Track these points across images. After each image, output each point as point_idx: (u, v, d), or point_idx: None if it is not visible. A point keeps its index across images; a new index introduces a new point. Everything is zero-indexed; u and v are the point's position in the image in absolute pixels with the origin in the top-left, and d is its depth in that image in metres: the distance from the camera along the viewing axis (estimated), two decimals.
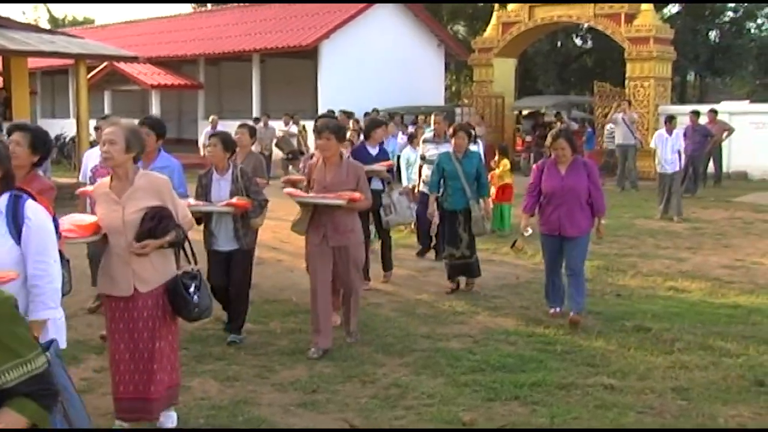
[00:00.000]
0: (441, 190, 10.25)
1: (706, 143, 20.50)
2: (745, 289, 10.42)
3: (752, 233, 14.91)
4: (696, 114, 16.69)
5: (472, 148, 10.71)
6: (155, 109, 31.90)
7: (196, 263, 5.79)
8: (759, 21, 44.06)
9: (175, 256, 5.72)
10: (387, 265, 10.98)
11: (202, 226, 7.76)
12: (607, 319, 8.83)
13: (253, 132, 10.09)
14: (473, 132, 11.08)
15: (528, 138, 26.84)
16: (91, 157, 8.26)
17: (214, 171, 7.91)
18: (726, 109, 24.49)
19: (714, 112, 22.46)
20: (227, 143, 7.87)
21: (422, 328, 8.50)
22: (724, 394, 6.54)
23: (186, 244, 5.72)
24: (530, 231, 9.14)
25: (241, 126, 10.11)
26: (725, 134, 22.62)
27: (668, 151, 16.36)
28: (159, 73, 33.04)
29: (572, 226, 8.52)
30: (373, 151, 10.78)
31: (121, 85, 33.13)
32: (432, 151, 11.87)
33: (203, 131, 23.34)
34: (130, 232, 5.39)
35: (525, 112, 29.96)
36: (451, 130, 10.70)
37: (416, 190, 11.92)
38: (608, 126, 24.00)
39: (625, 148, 22.26)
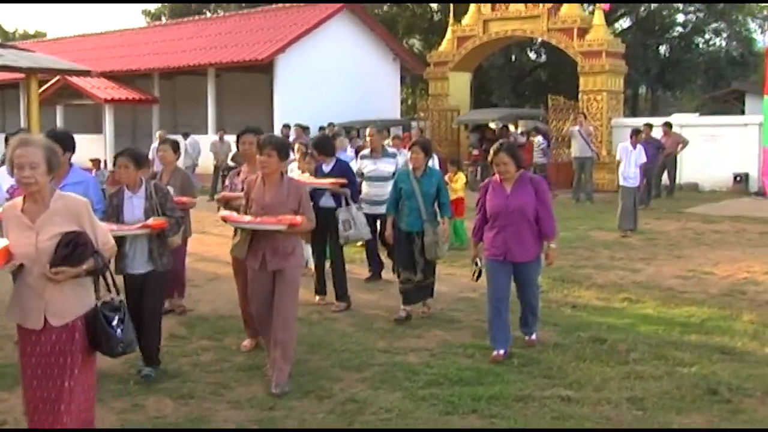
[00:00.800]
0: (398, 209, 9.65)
1: (658, 156, 20.73)
2: (698, 299, 10.50)
3: (703, 244, 15.06)
4: (649, 126, 16.80)
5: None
6: (108, 124, 31.64)
7: (118, 293, 5.31)
8: (707, 36, 44.82)
9: (94, 286, 5.15)
10: (340, 293, 10.23)
11: None
12: (563, 330, 8.85)
13: (176, 147, 9.73)
14: (430, 147, 10.24)
15: (475, 152, 26.63)
16: (5, 178, 7.43)
17: (125, 189, 7.40)
18: (677, 121, 24.78)
19: (668, 125, 22.78)
20: (138, 160, 7.40)
21: (380, 342, 8.46)
22: (678, 404, 6.59)
23: (107, 273, 5.17)
24: (481, 261, 8.12)
25: (162, 142, 9.67)
26: (680, 146, 22.93)
27: (632, 164, 16.13)
28: (112, 87, 32.77)
29: (521, 249, 7.71)
30: (326, 167, 10.50)
31: (73, 100, 32.82)
32: (370, 167, 11.79)
33: (152, 147, 23.11)
34: (45, 260, 4.80)
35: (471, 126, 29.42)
36: (408, 145, 10.38)
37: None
38: (537, 139, 24.23)
39: (581, 160, 22.44)
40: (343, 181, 10.20)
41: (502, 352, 7.79)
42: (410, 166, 9.66)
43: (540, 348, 8.15)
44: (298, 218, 6.99)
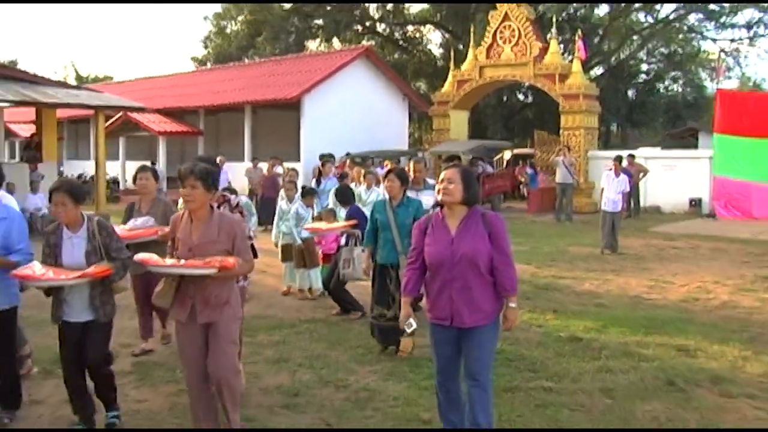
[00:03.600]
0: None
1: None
2: (659, 304, 10.50)
3: (665, 258, 15.00)
4: (619, 159, 16.68)
5: (413, 194, 8.55)
6: (161, 153, 31.75)
7: None
8: (666, 83, 45.20)
9: None
10: (351, 307, 9.70)
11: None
12: (546, 331, 8.81)
13: (157, 176, 8.01)
14: (407, 176, 8.34)
15: None
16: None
17: (64, 228, 5.60)
18: (642, 154, 25.04)
19: (632, 156, 22.93)
20: (77, 196, 5.54)
21: None
22: (641, 393, 6.59)
23: None
24: (414, 325, 5.39)
25: (142, 169, 7.85)
26: (642, 175, 23.04)
27: (613, 191, 15.61)
28: (165, 121, 32.90)
29: (470, 310, 4.97)
30: (342, 212, 10.21)
31: (133, 132, 32.95)
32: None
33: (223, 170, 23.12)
34: None
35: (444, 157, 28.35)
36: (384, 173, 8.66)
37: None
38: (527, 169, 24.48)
39: (563, 186, 22.41)
40: (354, 222, 9.72)
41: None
42: (386, 196, 8.10)
43: (526, 346, 8.11)
44: (231, 260, 5.15)
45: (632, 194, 22.13)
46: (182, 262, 5.16)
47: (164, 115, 33.10)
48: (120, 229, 6.96)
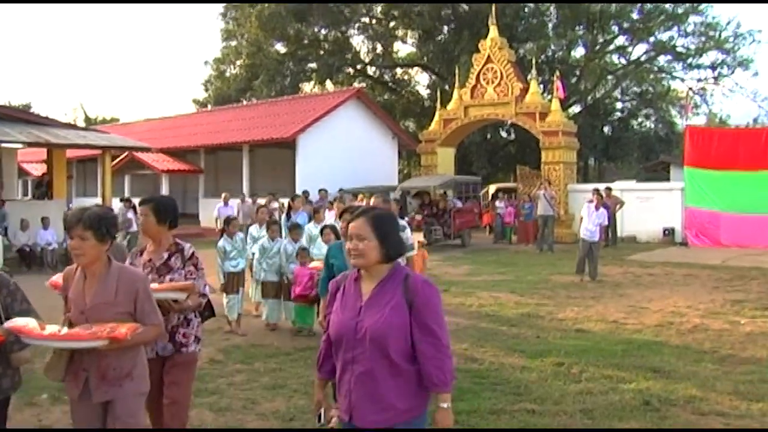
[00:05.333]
0: None
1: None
2: (636, 328, 10.48)
3: (641, 284, 15.00)
4: (598, 192, 16.68)
5: None
6: (165, 190, 31.73)
7: None
8: (639, 119, 45.67)
9: None
10: None
11: None
12: (529, 356, 8.78)
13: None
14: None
15: (418, 217, 22.47)
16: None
17: None
18: (618, 186, 25.15)
19: (609, 189, 23.08)
20: None
21: None
22: (620, 413, 6.58)
23: None
24: (322, 420, 3.76)
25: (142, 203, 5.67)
26: (618, 206, 23.12)
27: (592, 222, 15.56)
28: (168, 160, 32.96)
29: (373, 407, 3.45)
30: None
31: (138, 170, 33.01)
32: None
33: (216, 206, 23.07)
34: None
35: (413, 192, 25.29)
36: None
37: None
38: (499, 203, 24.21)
39: (545, 218, 22.45)
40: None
41: None
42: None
43: (510, 370, 8.09)
44: (124, 329, 3.88)
45: (610, 224, 22.18)
46: (63, 331, 3.95)
47: (167, 154, 33.15)
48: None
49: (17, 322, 4.03)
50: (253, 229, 12.09)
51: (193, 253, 5.11)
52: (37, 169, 33.44)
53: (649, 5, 37.73)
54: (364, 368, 3.40)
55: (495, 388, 7.40)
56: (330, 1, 38.36)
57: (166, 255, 5.03)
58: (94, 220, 4.00)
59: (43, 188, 23.62)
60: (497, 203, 27.67)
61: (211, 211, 25.04)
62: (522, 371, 8.05)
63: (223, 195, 23.36)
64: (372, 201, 8.53)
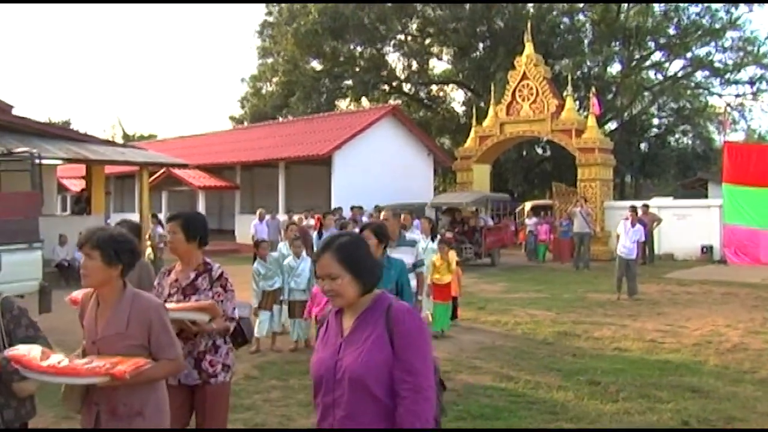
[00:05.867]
0: None
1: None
2: (674, 348, 10.36)
3: (679, 303, 14.83)
4: (635, 209, 16.51)
5: (396, 254, 6.81)
6: (201, 206, 32.04)
7: None
8: (677, 136, 45.19)
9: None
10: None
11: None
12: (565, 375, 8.72)
13: (135, 230, 6.14)
14: (386, 232, 6.29)
15: (448, 234, 20.89)
16: None
17: None
18: (655, 204, 24.88)
19: (646, 206, 22.80)
20: None
21: None
22: None
23: None
24: None
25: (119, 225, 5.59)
26: (655, 224, 22.89)
27: (628, 239, 15.40)
28: (204, 176, 33.30)
29: None
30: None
31: (175, 186, 33.36)
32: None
33: (252, 223, 23.11)
34: None
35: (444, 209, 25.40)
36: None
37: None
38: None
39: (581, 235, 22.30)
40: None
41: None
42: (410, 262, 6.50)
43: (546, 389, 8.03)
44: (124, 366, 3.51)
45: (647, 242, 21.93)
46: (63, 363, 3.58)
47: (204, 170, 33.51)
48: None
49: (19, 350, 3.67)
50: (283, 247, 11.90)
51: (221, 274, 4.75)
52: (76, 185, 34.01)
53: (686, 20, 37.46)
54: (345, 412, 2.97)
55: (531, 407, 7.36)
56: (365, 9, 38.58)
57: (193, 275, 4.73)
58: (104, 241, 3.73)
59: (81, 204, 24.01)
60: (527, 221, 27.48)
61: (247, 227, 25.22)
62: (558, 390, 8.00)
63: (258, 211, 23.47)
64: (382, 215, 8.25)
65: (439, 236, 12.62)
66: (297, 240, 11.09)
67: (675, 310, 13.84)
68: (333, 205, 26.36)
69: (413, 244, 8.38)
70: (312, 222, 21.40)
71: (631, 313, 13.54)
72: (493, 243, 23.67)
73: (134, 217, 29.46)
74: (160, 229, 20.35)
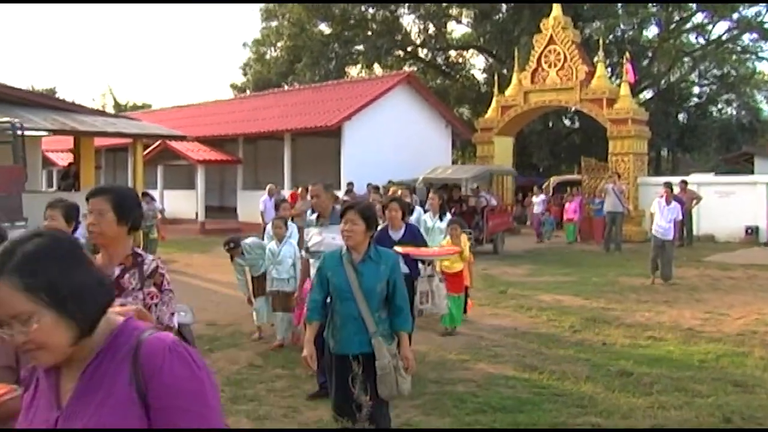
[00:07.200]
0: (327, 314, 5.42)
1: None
2: (714, 337, 10.30)
3: (720, 289, 14.77)
4: (670, 186, 16.31)
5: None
6: (200, 181, 32.09)
7: None
8: (719, 106, 44.80)
9: None
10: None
11: None
12: (594, 365, 8.70)
13: (71, 214, 5.47)
14: (374, 216, 5.47)
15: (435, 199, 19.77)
16: None
17: None
18: (695, 180, 24.65)
19: (684, 182, 22.64)
20: None
21: (431, 374, 8.37)
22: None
23: None
24: None
25: (51, 206, 5.46)
26: (694, 202, 22.76)
27: (664, 219, 15.20)
28: (204, 150, 33.31)
29: None
30: (396, 235, 8.15)
31: (172, 161, 33.39)
32: (315, 239, 7.25)
33: (261, 199, 22.97)
34: None
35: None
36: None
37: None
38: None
39: (613, 214, 22.20)
40: (457, 249, 9.05)
41: None
42: (342, 244, 5.47)
43: (573, 380, 8.02)
44: None
45: (685, 222, 21.82)
46: None
47: (203, 143, 33.52)
48: None
49: None
50: (273, 245, 10.28)
51: (156, 268, 3.88)
52: (63, 159, 34.11)
53: None
54: None
55: (556, 399, 7.35)
56: None
57: (118, 270, 3.80)
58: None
59: (69, 179, 24.04)
60: (534, 198, 27.22)
61: (249, 205, 25.26)
62: (586, 382, 7.98)
63: (267, 187, 23.29)
64: (310, 189, 7.66)
65: (449, 215, 12.33)
66: (279, 221, 10.28)
67: (715, 297, 13.79)
68: (342, 181, 26.38)
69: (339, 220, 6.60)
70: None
71: (666, 299, 13.49)
72: (495, 227, 22.01)
73: None
74: (157, 204, 20.31)
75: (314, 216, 7.35)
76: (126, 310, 3.14)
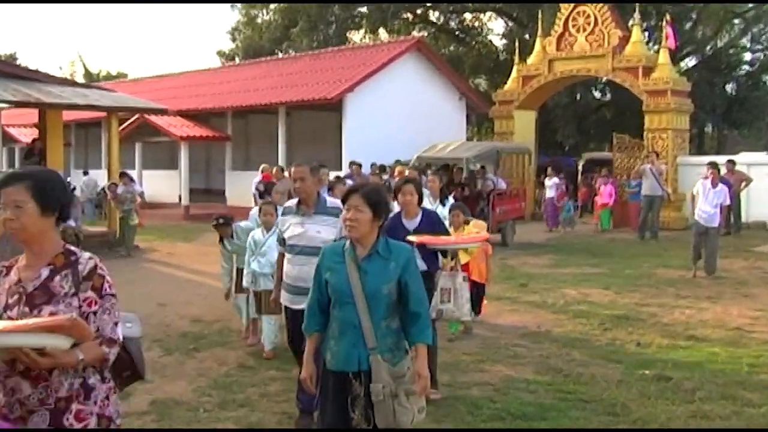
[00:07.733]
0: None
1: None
2: (766, 338, 10.25)
3: None
4: (715, 166, 16.14)
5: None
6: (184, 160, 32.13)
7: None
8: None
9: None
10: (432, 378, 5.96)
11: None
12: (627, 367, 8.70)
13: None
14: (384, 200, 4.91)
15: (433, 180, 18.40)
16: None
17: None
18: (744, 160, 24.49)
19: (732, 162, 22.52)
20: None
21: (443, 376, 8.29)
22: None
23: None
24: None
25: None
26: (743, 184, 22.63)
27: (708, 203, 15.03)
28: (188, 125, 33.34)
29: None
30: (411, 224, 7.59)
31: (151, 137, 33.44)
32: (295, 230, 6.70)
33: (253, 180, 22.90)
34: None
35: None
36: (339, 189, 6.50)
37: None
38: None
39: (651, 198, 22.08)
40: (485, 236, 8.94)
41: None
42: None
43: (604, 385, 8.01)
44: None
45: (732, 207, 21.74)
46: None
47: (186, 117, 33.55)
48: None
49: None
50: (258, 234, 9.88)
51: (94, 268, 3.54)
52: (27, 135, 34.10)
53: None
54: None
55: (584, 406, 7.35)
56: None
57: (46, 272, 3.51)
58: None
59: (34, 157, 23.94)
60: (546, 181, 26.82)
61: (239, 186, 25.24)
62: (618, 386, 7.98)
63: (261, 167, 23.28)
64: (274, 170, 6.87)
65: (451, 198, 12.15)
66: (267, 206, 9.85)
67: (767, 292, 13.76)
68: (344, 160, 26.37)
69: (337, 213, 6.12)
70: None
71: (710, 295, 13.48)
72: (504, 214, 21.21)
73: (101, 174, 29.64)
74: (137, 187, 20.26)
75: (293, 202, 6.87)
76: (58, 320, 3.32)
